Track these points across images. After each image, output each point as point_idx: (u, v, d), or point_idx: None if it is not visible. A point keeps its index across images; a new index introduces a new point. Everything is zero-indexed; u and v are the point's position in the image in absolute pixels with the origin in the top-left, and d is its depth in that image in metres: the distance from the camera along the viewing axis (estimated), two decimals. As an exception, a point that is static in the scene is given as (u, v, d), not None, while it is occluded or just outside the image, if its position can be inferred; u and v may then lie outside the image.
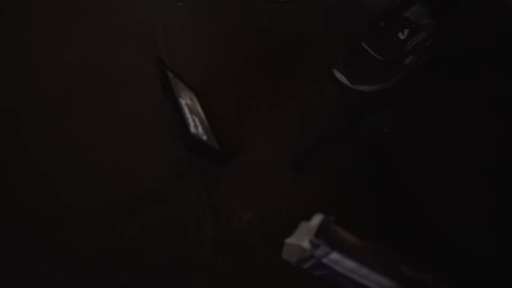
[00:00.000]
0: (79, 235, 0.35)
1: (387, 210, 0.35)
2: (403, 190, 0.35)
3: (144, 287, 0.32)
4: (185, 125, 0.30)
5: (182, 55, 0.52)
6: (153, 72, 0.39)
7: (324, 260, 0.24)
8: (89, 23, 0.58)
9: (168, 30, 0.56)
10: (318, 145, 0.40)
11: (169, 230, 0.35)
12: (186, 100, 0.38)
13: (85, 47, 0.54)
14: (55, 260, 0.33)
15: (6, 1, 0.62)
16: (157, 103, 0.44)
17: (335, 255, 0.23)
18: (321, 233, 0.24)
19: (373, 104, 0.43)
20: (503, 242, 0.32)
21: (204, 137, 0.35)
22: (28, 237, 0.35)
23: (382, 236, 0.31)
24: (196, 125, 0.35)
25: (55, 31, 0.57)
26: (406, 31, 0.43)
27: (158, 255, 0.33)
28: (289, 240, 0.25)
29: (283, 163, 0.39)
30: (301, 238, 0.24)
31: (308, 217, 0.25)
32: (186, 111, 0.34)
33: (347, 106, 0.43)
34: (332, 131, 0.41)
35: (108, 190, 0.38)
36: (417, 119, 0.42)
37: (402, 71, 0.47)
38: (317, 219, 0.25)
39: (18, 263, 0.33)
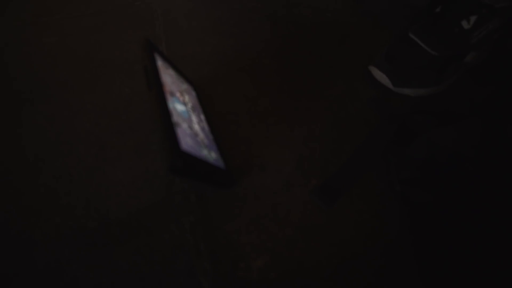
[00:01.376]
0: (26, 270, 0.25)
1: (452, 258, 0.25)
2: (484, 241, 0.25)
3: None
4: (173, 135, 0.20)
5: (183, 44, 0.43)
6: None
7: None
8: (77, 4, 0.50)
9: (169, 14, 0.49)
10: (354, 164, 0.30)
11: (149, 276, 0.25)
12: (183, 98, 0.28)
13: (70, 31, 0.46)
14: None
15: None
16: (147, 100, 0.35)
17: None
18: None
19: (429, 113, 0.32)
20: None
21: (204, 152, 0.25)
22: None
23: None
24: (194, 133, 0.25)
25: (36, 10, 0.49)
26: (473, 18, 0.33)
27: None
28: None
29: (308, 187, 0.29)
30: None
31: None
32: (180, 112, 0.25)
33: (391, 115, 0.33)
34: (371, 146, 0.31)
35: (73, 211, 0.28)
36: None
37: (458, 72, 0.37)
38: None
39: None
